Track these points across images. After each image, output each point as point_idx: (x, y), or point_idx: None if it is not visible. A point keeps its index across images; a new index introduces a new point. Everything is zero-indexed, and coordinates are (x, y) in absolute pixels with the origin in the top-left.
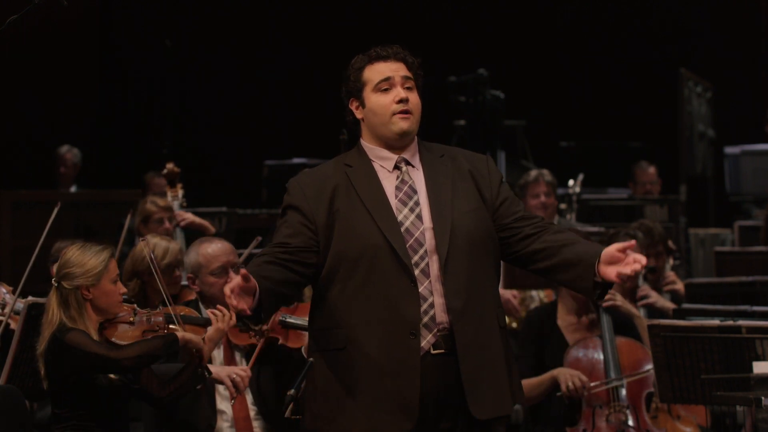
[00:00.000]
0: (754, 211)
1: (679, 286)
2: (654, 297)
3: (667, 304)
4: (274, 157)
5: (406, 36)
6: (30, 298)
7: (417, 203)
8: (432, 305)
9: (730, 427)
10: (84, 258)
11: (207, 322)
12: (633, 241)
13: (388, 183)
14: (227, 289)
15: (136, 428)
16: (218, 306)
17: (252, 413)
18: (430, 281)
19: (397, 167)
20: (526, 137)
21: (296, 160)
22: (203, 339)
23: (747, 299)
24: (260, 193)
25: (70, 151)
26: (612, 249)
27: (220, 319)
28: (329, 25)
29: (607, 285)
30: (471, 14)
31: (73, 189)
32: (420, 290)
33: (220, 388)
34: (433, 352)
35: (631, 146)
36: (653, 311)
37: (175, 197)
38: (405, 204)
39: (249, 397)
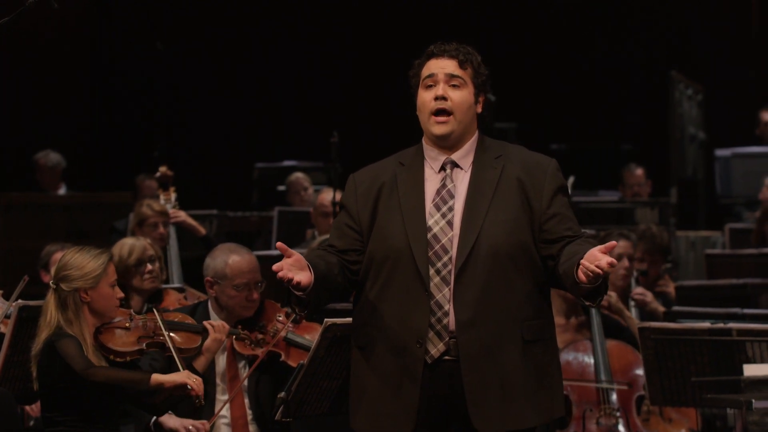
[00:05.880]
0: (744, 214)
1: (670, 288)
2: (650, 297)
3: (658, 307)
4: (264, 160)
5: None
6: (20, 301)
7: (451, 209)
8: (447, 313)
9: (720, 430)
10: (83, 261)
11: (203, 330)
12: (614, 242)
13: (431, 185)
14: (276, 267)
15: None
16: (210, 321)
17: (249, 416)
18: (449, 289)
19: (443, 169)
20: (517, 140)
21: (287, 163)
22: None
23: (737, 302)
24: (251, 195)
25: (44, 156)
26: (594, 249)
27: (217, 329)
28: (322, 29)
29: (597, 288)
30: (462, 17)
31: (62, 191)
32: (437, 298)
33: (219, 393)
34: (443, 359)
35: (622, 149)
36: (644, 314)
37: (167, 200)
38: (438, 209)
39: (246, 401)
